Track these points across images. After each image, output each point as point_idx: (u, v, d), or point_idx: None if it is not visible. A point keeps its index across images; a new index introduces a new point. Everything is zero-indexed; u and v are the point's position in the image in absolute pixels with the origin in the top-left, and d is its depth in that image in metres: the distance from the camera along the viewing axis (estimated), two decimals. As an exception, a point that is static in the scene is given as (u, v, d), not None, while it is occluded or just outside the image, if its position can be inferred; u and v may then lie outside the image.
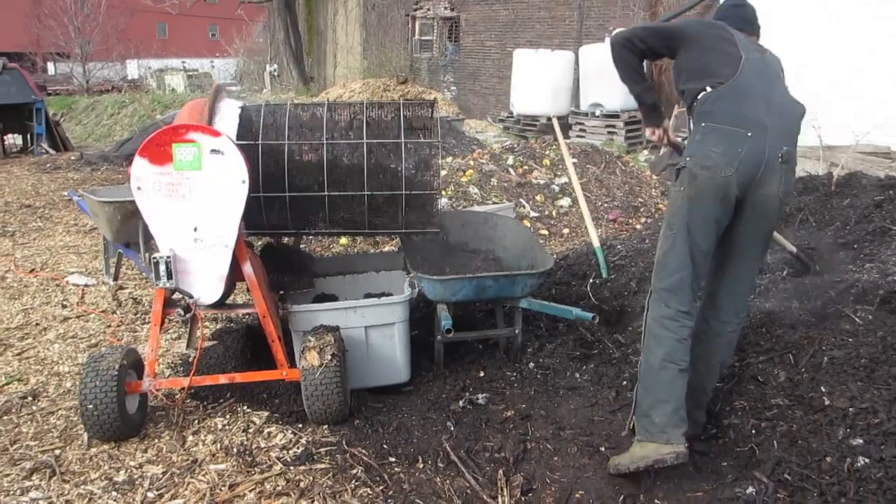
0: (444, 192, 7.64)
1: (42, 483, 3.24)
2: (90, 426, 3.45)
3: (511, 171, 8.38)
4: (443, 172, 7.97)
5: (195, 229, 3.39)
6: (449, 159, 8.81)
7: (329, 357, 3.47)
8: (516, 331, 4.22)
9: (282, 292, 3.93)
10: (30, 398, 4.02)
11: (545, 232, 7.44)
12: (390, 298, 3.85)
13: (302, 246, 6.32)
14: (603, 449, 3.41)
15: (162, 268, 3.36)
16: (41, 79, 32.48)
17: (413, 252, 4.31)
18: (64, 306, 5.56)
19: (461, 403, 3.83)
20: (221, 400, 3.89)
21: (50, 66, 36.40)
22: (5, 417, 3.80)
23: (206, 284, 3.46)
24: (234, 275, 3.57)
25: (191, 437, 3.58)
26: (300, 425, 3.62)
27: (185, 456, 3.42)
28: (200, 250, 3.42)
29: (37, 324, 5.21)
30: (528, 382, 4.09)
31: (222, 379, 3.67)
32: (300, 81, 24.86)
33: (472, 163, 8.30)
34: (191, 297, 3.47)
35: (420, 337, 4.41)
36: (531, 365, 4.27)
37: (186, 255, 3.43)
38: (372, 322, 3.84)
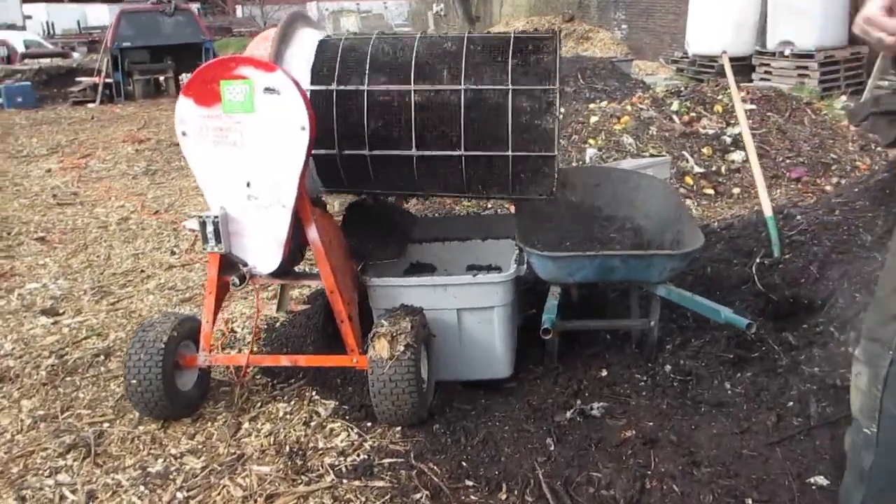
0: (592, 142, 6.71)
1: (74, 464, 2.87)
2: (135, 402, 3.04)
3: (675, 118, 7.24)
4: (593, 119, 7.00)
5: (248, 184, 2.81)
6: (604, 104, 7.79)
7: (402, 348, 2.81)
8: (651, 323, 3.35)
9: (364, 262, 3.30)
10: (102, 357, 3.71)
11: (710, 191, 6.33)
12: (487, 277, 3.11)
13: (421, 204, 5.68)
14: (750, 502, 2.52)
15: (209, 228, 2.83)
16: (226, 21, 34.09)
17: (526, 217, 3.52)
18: (173, 253, 5.32)
19: (569, 414, 3.05)
20: (292, 380, 3.37)
21: (238, 10, 38.16)
22: (68, 378, 3.51)
23: (262, 250, 2.90)
24: (302, 239, 2.98)
25: (247, 425, 3.08)
26: (368, 424, 3.02)
27: (232, 448, 2.92)
28: (255, 209, 2.84)
29: (142, 270, 4.98)
30: (660, 391, 3.23)
31: (283, 360, 3.13)
32: (465, 21, 24.11)
33: (629, 108, 7.24)
34: (245, 264, 2.92)
35: (537, 318, 3.64)
36: (667, 367, 3.39)
37: (239, 215, 2.86)
38: (465, 304, 3.13)
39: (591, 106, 7.47)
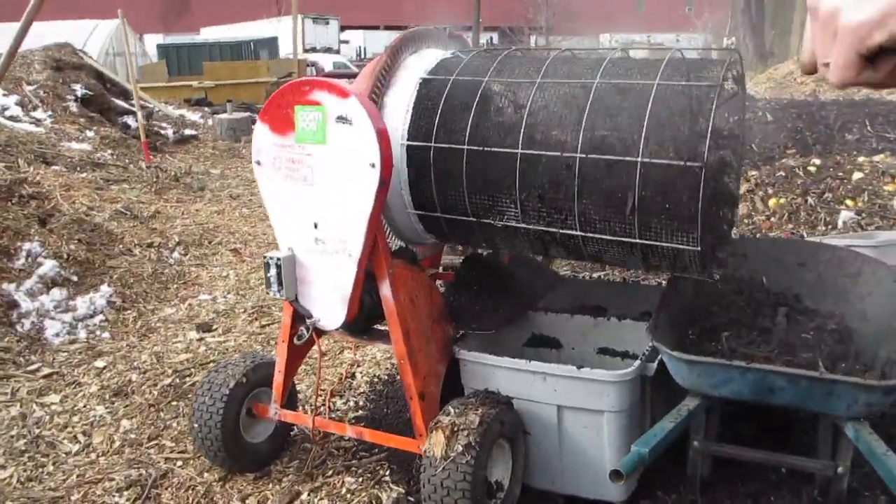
0: (850, 203, 5.44)
1: (123, 503, 2.71)
2: (198, 448, 2.82)
3: (977, 182, 5.64)
4: (857, 175, 5.69)
5: (315, 226, 2.44)
6: (878, 157, 6.36)
7: (461, 448, 2.25)
8: (839, 469, 2.40)
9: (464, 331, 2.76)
10: (219, 384, 3.59)
11: None
12: (596, 372, 2.41)
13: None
14: None
15: (271, 271, 2.50)
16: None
17: (680, 294, 2.73)
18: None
19: (684, 576, 2.25)
20: (375, 450, 2.94)
21: (532, 39, 39.28)
22: (175, 402, 3.42)
23: (327, 302, 2.51)
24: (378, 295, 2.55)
25: (305, 496, 2.71)
26: (427, 528, 2.47)
27: (276, 523, 2.56)
28: (322, 255, 2.46)
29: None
30: (835, 569, 2.28)
31: (349, 431, 2.71)
32: (756, 57, 22.20)
33: (910, 165, 5.80)
34: (310, 316, 2.55)
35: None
36: (857, 535, 2.40)
37: (307, 260, 2.51)
38: (568, 401, 2.46)
39: (861, 159, 6.10)
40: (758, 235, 5.33)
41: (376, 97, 2.57)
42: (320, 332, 2.59)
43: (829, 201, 5.46)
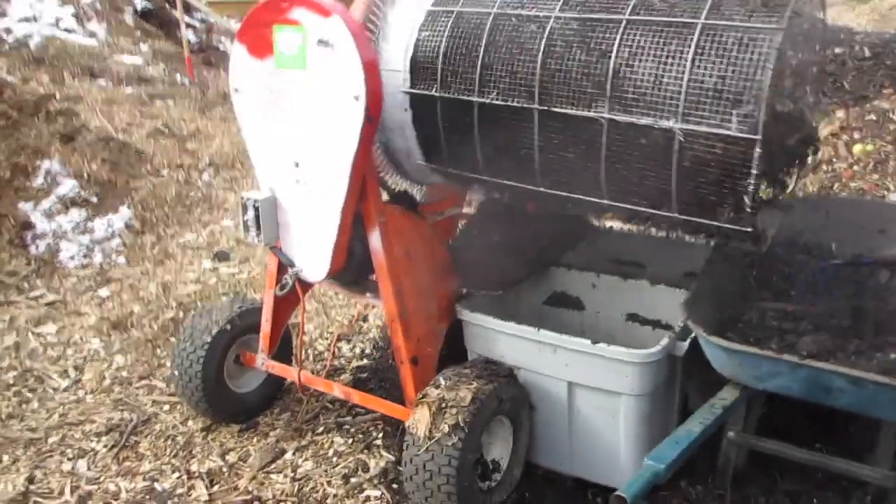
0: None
1: (101, 451, 2.55)
2: (180, 395, 2.61)
3: None
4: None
5: (296, 165, 2.12)
6: None
7: (447, 428, 1.95)
8: (901, 479, 2.01)
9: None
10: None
11: None
12: (613, 350, 2.05)
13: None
14: None
15: (249, 213, 2.21)
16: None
17: (723, 264, 2.33)
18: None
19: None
20: (373, 408, 2.69)
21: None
22: (173, 338, 3.21)
23: (310, 251, 2.21)
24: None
25: (289, 454, 2.49)
26: None
27: (253, 485, 2.35)
28: (304, 198, 2.15)
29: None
30: None
31: (336, 390, 2.43)
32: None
33: None
34: (292, 265, 2.26)
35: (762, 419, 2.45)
36: (913, 558, 2.03)
37: (288, 203, 2.20)
38: (580, 378, 2.13)
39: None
40: (836, 186, 4.76)
41: (373, 24, 2.18)
42: (304, 284, 2.31)
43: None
